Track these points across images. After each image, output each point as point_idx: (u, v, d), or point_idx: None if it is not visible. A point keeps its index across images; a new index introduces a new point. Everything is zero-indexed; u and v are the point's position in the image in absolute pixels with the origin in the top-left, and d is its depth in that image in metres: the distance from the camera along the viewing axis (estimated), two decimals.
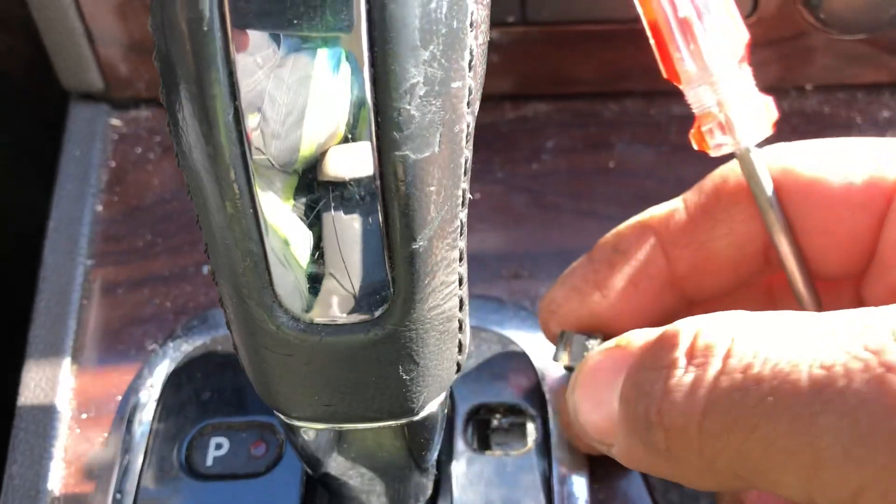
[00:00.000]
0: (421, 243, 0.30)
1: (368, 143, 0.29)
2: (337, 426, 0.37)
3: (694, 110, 0.43)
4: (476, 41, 0.30)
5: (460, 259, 0.33)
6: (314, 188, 0.30)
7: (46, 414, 0.53)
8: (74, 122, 0.65)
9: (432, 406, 0.37)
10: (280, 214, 0.30)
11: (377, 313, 0.32)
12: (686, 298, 0.46)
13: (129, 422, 0.51)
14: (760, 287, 0.48)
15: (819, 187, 0.42)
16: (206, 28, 0.27)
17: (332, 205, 0.30)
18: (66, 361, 0.55)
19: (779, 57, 0.62)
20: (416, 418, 0.37)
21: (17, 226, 0.86)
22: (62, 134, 0.65)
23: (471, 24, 0.29)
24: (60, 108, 0.69)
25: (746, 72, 0.43)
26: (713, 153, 0.43)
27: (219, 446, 0.50)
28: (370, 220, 0.30)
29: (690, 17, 0.42)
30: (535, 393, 0.52)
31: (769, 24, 0.60)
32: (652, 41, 0.44)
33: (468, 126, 0.31)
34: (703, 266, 0.44)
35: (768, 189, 0.42)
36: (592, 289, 0.45)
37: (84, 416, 0.53)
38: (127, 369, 0.55)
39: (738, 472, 0.33)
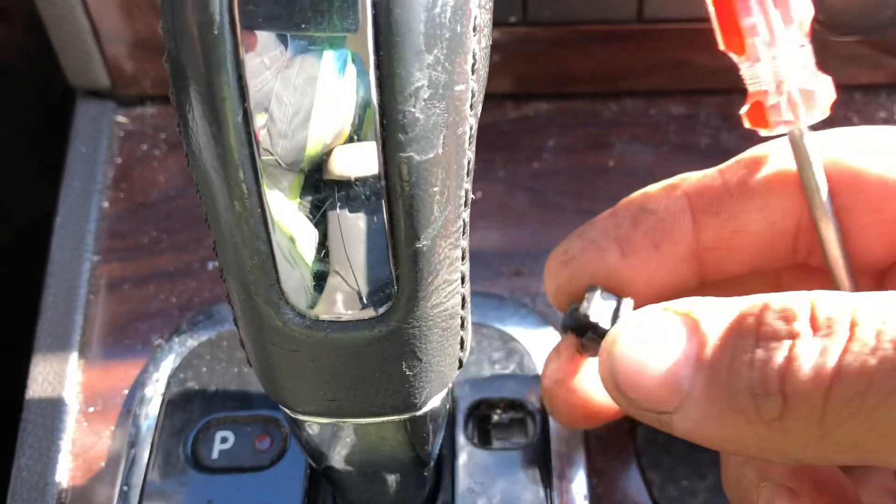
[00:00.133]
0: (424, 242, 0.31)
1: (373, 143, 0.29)
2: (341, 421, 0.38)
3: (748, 86, 0.42)
4: (479, 45, 0.30)
5: (463, 257, 0.34)
6: (320, 187, 0.30)
7: (54, 408, 0.53)
8: (81, 119, 0.66)
9: (434, 401, 0.38)
10: (287, 213, 0.31)
11: (381, 310, 0.32)
12: (700, 276, 0.45)
13: (136, 416, 0.52)
14: (770, 278, 0.47)
15: (865, 178, 0.41)
16: (216, 31, 0.28)
17: (338, 204, 0.31)
18: (73, 356, 0.55)
19: None
20: (418, 413, 0.37)
21: (21, 219, 0.86)
22: (68, 130, 0.66)
23: (474, 29, 0.29)
24: (64, 103, 0.69)
25: (808, 49, 0.41)
26: (768, 132, 0.42)
27: (224, 440, 0.50)
28: (375, 218, 0.31)
29: None
30: (535, 389, 0.52)
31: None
32: (712, 9, 0.42)
33: (471, 128, 0.31)
34: (730, 239, 0.43)
35: (819, 174, 0.41)
36: (612, 244, 0.44)
37: (91, 409, 0.54)
38: (133, 364, 0.55)
39: (859, 441, 0.33)
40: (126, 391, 0.54)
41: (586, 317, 0.42)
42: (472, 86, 0.30)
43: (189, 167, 0.32)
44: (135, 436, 0.51)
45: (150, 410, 0.52)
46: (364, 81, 0.28)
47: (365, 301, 0.32)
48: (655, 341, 0.37)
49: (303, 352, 0.34)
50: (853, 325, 0.33)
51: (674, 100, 0.66)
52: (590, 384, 0.46)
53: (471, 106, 0.31)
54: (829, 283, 0.44)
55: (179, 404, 0.52)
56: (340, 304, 0.32)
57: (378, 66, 0.28)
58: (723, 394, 0.35)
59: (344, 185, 0.30)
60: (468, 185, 0.32)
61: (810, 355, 0.33)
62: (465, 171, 0.32)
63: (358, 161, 0.30)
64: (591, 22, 0.60)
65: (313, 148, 0.30)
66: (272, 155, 0.30)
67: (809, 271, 0.45)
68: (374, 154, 0.29)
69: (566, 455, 0.50)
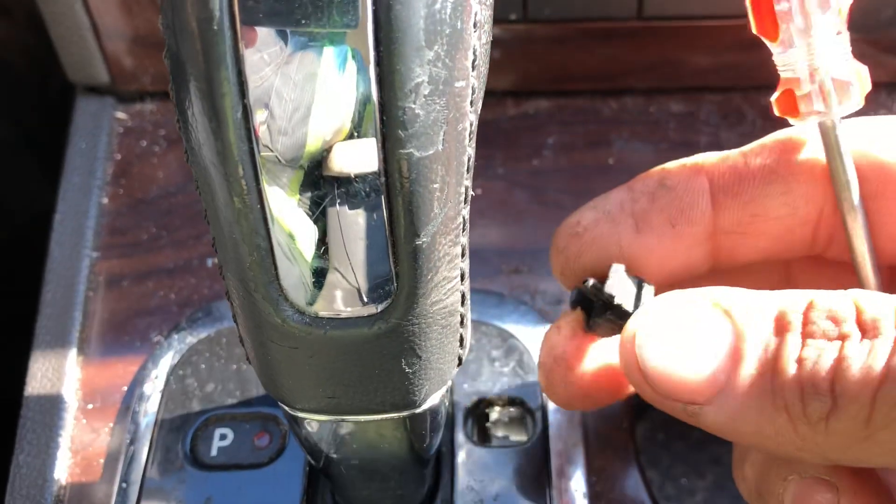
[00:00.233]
0: (424, 239, 0.31)
1: (373, 140, 0.29)
2: (340, 418, 0.38)
3: (781, 73, 0.40)
4: (479, 41, 0.30)
5: (462, 255, 0.34)
6: (320, 184, 0.30)
7: (53, 404, 0.53)
8: (80, 115, 0.66)
9: (434, 399, 0.38)
10: (286, 209, 0.31)
11: (381, 307, 0.32)
12: (713, 261, 0.44)
13: (135, 412, 0.52)
14: (780, 270, 0.47)
15: (893, 170, 0.40)
16: (216, 27, 0.28)
17: (338, 200, 0.31)
18: (72, 353, 0.55)
19: None
20: (417, 411, 0.37)
21: (20, 215, 0.86)
22: (67, 126, 0.66)
23: (474, 25, 0.29)
24: (64, 99, 0.69)
25: (845, 37, 0.39)
26: (799, 122, 0.40)
27: (223, 437, 0.50)
28: (374, 215, 0.31)
29: None
30: (534, 386, 0.52)
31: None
32: None
33: (471, 124, 0.31)
34: (749, 223, 0.42)
35: (849, 166, 0.40)
36: (627, 218, 0.42)
37: (90, 406, 0.54)
38: (132, 360, 0.55)
39: None
40: (125, 388, 0.54)
41: (611, 297, 0.41)
42: (472, 82, 0.30)
43: (188, 163, 0.32)
44: (134, 433, 0.51)
45: (149, 407, 0.52)
46: (364, 78, 0.28)
47: (364, 298, 0.32)
48: (688, 330, 0.36)
49: (302, 349, 0.33)
50: None
51: (673, 97, 0.66)
52: (591, 363, 0.44)
53: (471, 102, 0.31)
54: (841, 277, 0.43)
55: (178, 401, 0.52)
56: (340, 300, 0.32)
57: (378, 63, 0.28)
58: (766, 390, 0.35)
59: (344, 181, 0.30)
60: (468, 182, 0.32)
61: (860, 356, 0.33)
62: (465, 167, 0.32)
63: (358, 157, 0.30)
64: (592, 20, 0.60)
65: (313, 144, 0.30)
66: (272, 151, 0.30)
67: (821, 264, 0.45)
68: (374, 150, 0.29)
69: (565, 453, 0.50)
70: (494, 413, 0.52)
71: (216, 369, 0.53)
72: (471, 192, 0.33)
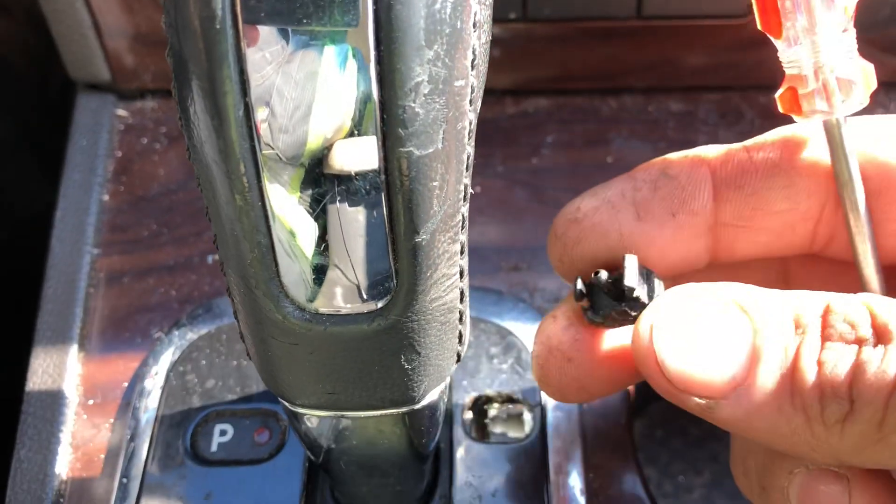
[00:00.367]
0: (424, 237, 0.31)
1: (373, 138, 0.29)
2: (340, 414, 0.38)
3: (786, 69, 0.40)
4: (479, 41, 0.30)
5: (461, 252, 0.34)
6: (320, 181, 0.30)
7: (54, 400, 0.54)
8: (81, 113, 0.66)
9: (433, 395, 0.38)
10: (287, 207, 0.31)
11: (380, 304, 0.33)
12: (712, 255, 0.43)
13: (135, 408, 0.52)
14: (777, 267, 0.46)
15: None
16: (218, 26, 0.28)
17: (338, 198, 0.31)
18: (73, 349, 0.56)
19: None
20: (416, 407, 0.38)
21: (21, 212, 0.86)
22: (68, 124, 0.66)
23: (474, 25, 0.30)
24: (65, 97, 0.69)
25: (851, 35, 0.39)
26: (803, 119, 0.40)
27: (223, 433, 0.51)
28: (374, 213, 0.31)
29: None
30: (533, 383, 0.53)
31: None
32: None
33: (471, 123, 0.31)
34: (750, 217, 0.42)
35: (853, 166, 0.39)
36: (628, 206, 0.41)
37: (91, 402, 0.54)
38: (133, 357, 0.55)
39: None
40: (126, 384, 0.54)
41: (631, 288, 0.39)
42: (471, 81, 0.30)
43: (190, 161, 0.32)
44: (134, 428, 0.51)
45: (150, 403, 0.52)
46: (364, 76, 0.29)
47: (364, 295, 0.32)
48: (707, 326, 0.36)
49: (302, 345, 0.34)
50: None
51: (672, 96, 0.66)
52: (588, 354, 0.43)
53: (470, 101, 0.31)
54: (839, 276, 0.43)
55: (179, 397, 0.52)
56: (340, 297, 0.32)
57: (378, 62, 0.28)
58: (785, 390, 0.35)
59: (344, 179, 0.30)
60: (467, 180, 0.33)
61: (875, 361, 0.34)
62: (465, 165, 0.32)
63: (358, 155, 0.30)
64: (591, 19, 0.61)
65: (314, 142, 0.30)
66: (273, 149, 0.30)
67: (819, 263, 0.45)
68: (375, 148, 0.30)
69: (563, 450, 0.51)
70: (493, 410, 0.52)
71: (216, 365, 0.53)
72: (470, 190, 0.33)
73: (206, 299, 0.57)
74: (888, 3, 0.61)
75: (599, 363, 0.42)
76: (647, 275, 0.40)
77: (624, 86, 0.66)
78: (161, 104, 0.66)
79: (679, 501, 0.62)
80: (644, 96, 0.66)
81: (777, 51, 0.40)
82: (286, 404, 0.38)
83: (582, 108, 0.66)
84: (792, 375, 0.35)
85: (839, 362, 0.34)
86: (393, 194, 0.30)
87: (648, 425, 0.65)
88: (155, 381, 0.53)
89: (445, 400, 0.42)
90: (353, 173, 0.30)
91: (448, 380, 0.39)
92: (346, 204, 0.31)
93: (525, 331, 0.55)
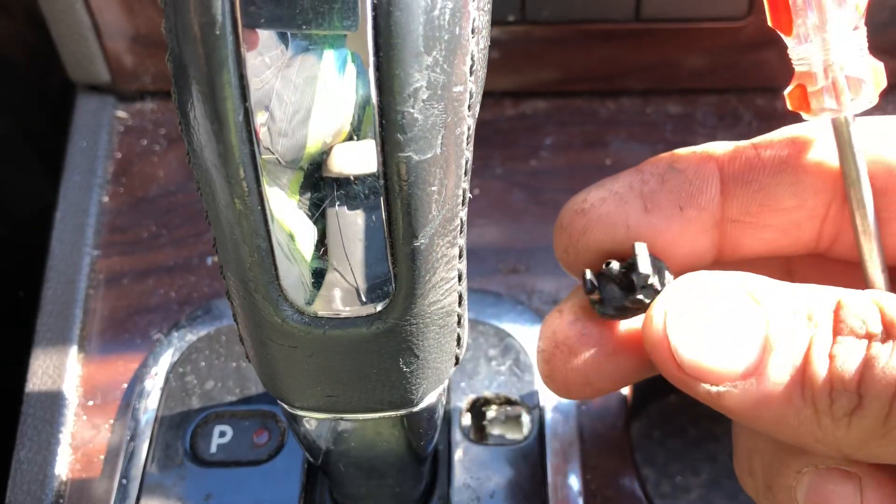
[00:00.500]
0: (422, 241, 0.31)
1: (372, 142, 0.29)
2: (339, 416, 0.38)
3: (795, 67, 0.39)
4: (477, 46, 0.31)
5: (460, 256, 0.34)
6: (319, 185, 0.30)
7: (53, 401, 0.54)
8: (81, 114, 0.66)
9: (431, 397, 0.38)
10: (286, 210, 0.31)
11: (379, 308, 0.33)
12: (717, 251, 0.43)
13: (135, 409, 0.52)
14: (782, 266, 0.47)
15: None
16: (218, 32, 0.28)
17: (337, 202, 0.31)
18: (73, 350, 0.56)
19: (778, 56, 0.63)
20: (415, 409, 0.38)
21: (21, 213, 0.86)
22: (68, 125, 0.66)
23: (472, 31, 0.30)
24: (64, 97, 0.69)
25: (862, 33, 0.39)
26: (811, 117, 0.40)
27: (222, 434, 0.51)
28: (373, 216, 0.31)
29: None
30: (531, 385, 0.53)
31: (767, 24, 0.61)
32: None
33: (469, 128, 0.32)
34: (757, 213, 0.42)
35: (861, 165, 0.39)
36: (636, 197, 0.41)
37: (90, 403, 0.54)
38: (132, 358, 0.56)
39: None
40: (125, 385, 0.55)
41: (646, 276, 0.39)
42: (470, 87, 0.30)
43: (190, 165, 0.32)
44: (134, 429, 0.52)
45: (149, 404, 0.52)
46: (363, 81, 0.29)
47: (363, 298, 0.33)
48: (720, 315, 0.37)
49: (301, 348, 0.34)
50: None
51: (670, 99, 0.66)
52: (595, 349, 0.42)
53: (469, 107, 0.31)
54: (844, 276, 0.43)
55: (178, 398, 0.52)
56: (339, 300, 0.33)
57: (377, 67, 0.28)
58: (796, 382, 0.35)
59: (343, 183, 0.30)
60: (466, 185, 0.33)
61: (884, 356, 0.34)
62: (463, 170, 0.32)
63: (357, 159, 0.30)
64: (589, 21, 0.61)
65: (313, 146, 0.30)
66: (272, 153, 0.30)
67: (823, 263, 0.45)
68: (373, 152, 0.30)
69: (561, 451, 0.51)
70: (491, 411, 0.53)
71: (216, 367, 0.54)
72: (468, 195, 0.33)
73: (205, 301, 0.57)
74: (888, 5, 0.61)
75: (607, 358, 0.42)
76: (656, 263, 0.40)
77: (622, 88, 0.66)
78: (160, 106, 0.66)
79: (677, 502, 0.62)
80: (642, 98, 0.66)
81: (780, 51, 0.40)
82: (285, 406, 0.38)
83: (580, 110, 0.66)
84: (803, 368, 0.35)
85: (850, 357, 0.35)
86: (392, 199, 0.30)
87: (646, 426, 0.65)
88: (154, 383, 0.53)
89: (444, 402, 0.42)
90: (351, 177, 0.30)
91: (446, 382, 0.39)
92: (345, 208, 0.31)
93: (523, 332, 0.55)
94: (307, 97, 0.29)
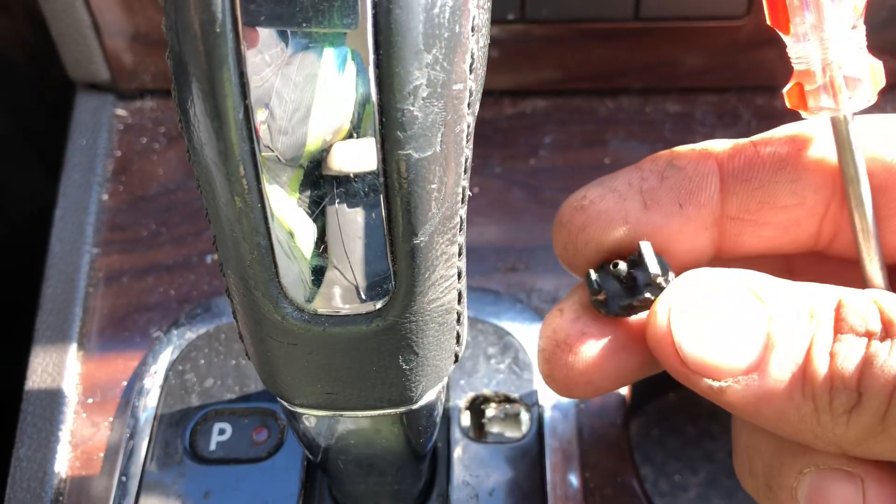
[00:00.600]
0: (422, 238, 0.31)
1: (372, 139, 0.30)
2: (338, 414, 0.38)
3: (794, 65, 0.39)
4: (477, 45, 0.31)
5: (459, 254, 0.34)
6: (319, 182, 0.31)
7: (53, 399, 0.54)
8: (80, 112, 0.66)
9: (430, 395, 0.38)
10: (286, 208, 0.31)
11: (379, 305, 0.33)
12: (717, 248, 0.44)
13: (134, 407, 0.52)
14: (781, 264, 0.47)
15: None
16: (218, 29, 0.28)
17: (337, 199, 0.31)
18: (73, 347, 0.56)
19: (778, 56, 0.63)
20: (414, 407, 0.38)
21: (21, 211, 0.86)
22: (68, 123, 0.66)
23: (472, 29, 0.30)
24: (64, 96, 0.69)
25: (860, 32, 0.39)
26: (810, 115, 0.40)
27: (222, 431, 0.51)
28: (373, 214, 0.31)
29: None
30: (530, 383, 0.53)
31: (765, 23, 0.61)
32: None
33: (469, 126, 0.32)
34: (756, 210, 0.42)
35: (860, 163, 0.39)
36: (636, 194, 0.41)
37: (90, 400, 0.54)
38: (132, 356, 0.56)
39: None
40: (125, 383, 0.55)
41: (655, 276, 0.40)
42: (469, 85, 0.30)
43: (190, 162, 0.32)
44: (133, 427, 0.52)
45: (149, 402, 0.52)
46: (363, 79, 0.29)
47: (363, 296, 0.33)
48: (723, 312, 0.37)
49: (301, 345, 0.34)
50: None
51: (669, 98, 0.66)
52: (596, 348, 0.42)
53: (468, 105, 0.31)
54: (843, 275, 0.43)
55: (178, 396, 0.52)
56: (338, 298, 0.33)
57: (377, 65, 0.28)
58: (797, 378, 0.36)
59: (343, 180, 0.30)
60: (465, 183, 0.33)
61: (883, 354, 0.35)
62: (463, 168, 0.32)
63: (357, 157, 0.30)
64: (589, 20, 0.61)
65: (313, 144, 0.30)
66: (272, 151, 0.30)
67: (823, 261, 0.45)
68: (373, 150, 0.30)
69: (559, 449, 0.51)
70: (490, 409, 0.53)
71: (215, 365, 0.54)
72: (468, 192, 0.34)
73: (204, 299, 0.58)
74: (886, 5, 0.61)
75: (608, 356, 0.42)
76: (661, 261, 0.41)
77: (621, 87, 0.66)
78: (160, 104, 0.67)
79: (675, 500, 0.62)
80: (641, 97, 0.66)
81: (779, 50, 0.40)
82: (285, 404, 0.38)
83: (580, 109, 0.66)
84: (804, 365, 0.36)
85: (850, 355, 0.35)
86: (391, 197, 0.30)
87: (645, 425, 0.65)
88: (154, 380, 0.53)
89: (443, 400, 0.42)
90: (351, 175, 0.30)
91: (446, 380, 0.39)
92: (345, 205, 0.31)
93: (522, 331, 0.55)
94: (307, 95, 0.29)
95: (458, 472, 0.50)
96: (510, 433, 0.52)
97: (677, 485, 0.62)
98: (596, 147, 0.64)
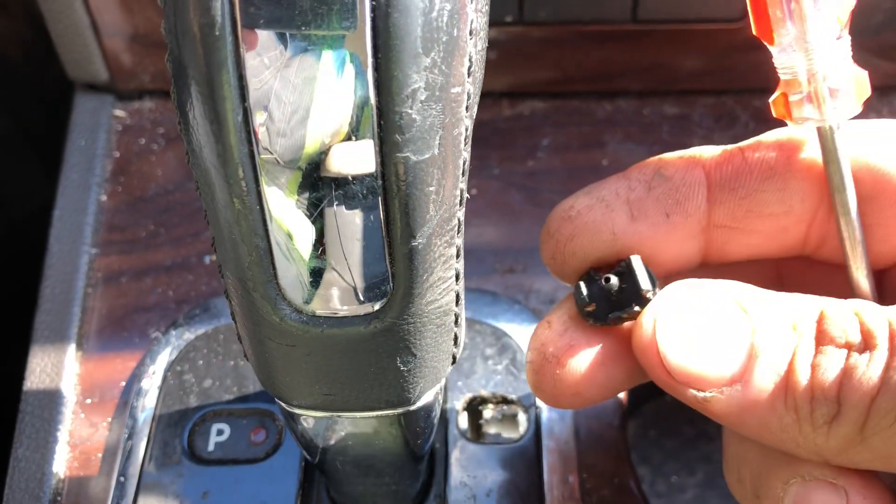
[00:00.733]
0: (420, 241, 0.31)
1: (371, 142, 0.30)
2: (336, 415, 0.38)
3: (780, 74, 0.40)
4: (475, 48, 0.31)
5: (457, 255, 0.34)
6: (318, 184, 0.31)
7: (51, 399, 0.54)
8: (79, 113, 0.66)
9: (428, 396, 0.38)
10: (285, 210, 0.31)
11: (377, 307, 0.33)
12: (703, 255, 0.44)
13: (133, 407, 0.53)
14: (769, 268, 0.47)
15: (889, 179, 0.40)
16: (217, 32, 0.28)
17: (335, 201, 0.31)
18: (71, 348, 0.56)
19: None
20: (412, 408, 0.38)
21: (19, 211, 0.86)
22: (66, 123, 0.66)
23: (470, 32, 0.30)
24: (61, 93, 0.69)
25: (845, 42, 0.39)
26: (795, 125, 0.40)
27: (220, 432, 0.51)
28: (371, 216, 0.31)
29: None
30: (527, 385, 0.53)
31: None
32: None
33: (467, 129, 0.32)
34: (743, 218, 0.42)
35: (846, 172, 0.39)
36: (623, 205, 0.41)
37: (88, 401, 0.54)
38: (130, 356, 0.56)
39: (893, 451, 0.35)
40: (123, 383, 0.55)
41: (646, 291, 0.40)
42: (468, 88, 0.31)
43: (189, 164, 0.32)
44: (132, 427, 0.52)
45: (147, 402, 0.53)
46: (362, 81, 0.29)
47: (361, 297, 0.33)
48: (708, 323, 0.38)
49: (299, 347, 0.34)
50: (892, 338, 0.35)
51: (667, 100, 0.66)
52: (582, 360, 0.42)
53: (467, 107, 0.31)
54: (831, 278, 0.44)
55: (176, 397, 0.52)
56: (336, 300, 0.33)
57: (376, 69, 0.28)
58: (780, 389, 0.36)
59: (341, 182, 0.31)
60: (463, 185, 0.33)
61: (861, 366, 0.35)
62: (461, 171, 0.32)
63: (355, 159, 0.30)
64: (586, 22, 0.61)
65: (312, 146, 0.30)
66: (271, 153, 0.30)
67: (811, 265, 0.45)
68: (372, 152, 0.30)
69: (557, 450, 0.51)
70: (488, 410, 0.53)
71: (213, 365, 0.54)
72: (466, 195, 0.34)
73: (203, 299, 0.58)
74: (882, 8, 0.61)
75: (595, 369, 0.42)
76: (649, 274, 0.41)
77: (619, 89, 0.66)
78: (159, 105, 0.67)
79: (672, 501, 0.62)
80: (639, 99, 0.66)
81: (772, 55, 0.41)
82: (283, 405, 0.38)
83: (577, 111, 0.66)
84: (787, 376, 0.36)
85: (830, 366, 0.36)
86: (390, 199, 0.30)
87: (642, 426, 0.65)
88: (152, 381, 0.53)
89: (440, 401, 0.42)
90: (350, 177, 0.30)
91: (443, 381, 0.40)
92: (343, 207, 0.31)
93: (520, 332, 0.55)
94: (306, 97, 0.29)
95: (456, 473, 0.50)
96: (507, 434, 0.52)
97: (674, 485, 0.63)
98: (594, 149, 0.64)
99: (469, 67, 0.30)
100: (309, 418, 0.39)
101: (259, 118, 0.29)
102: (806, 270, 0.46)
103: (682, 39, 0.62)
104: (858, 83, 0.39)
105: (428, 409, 0.40)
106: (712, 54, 0.64)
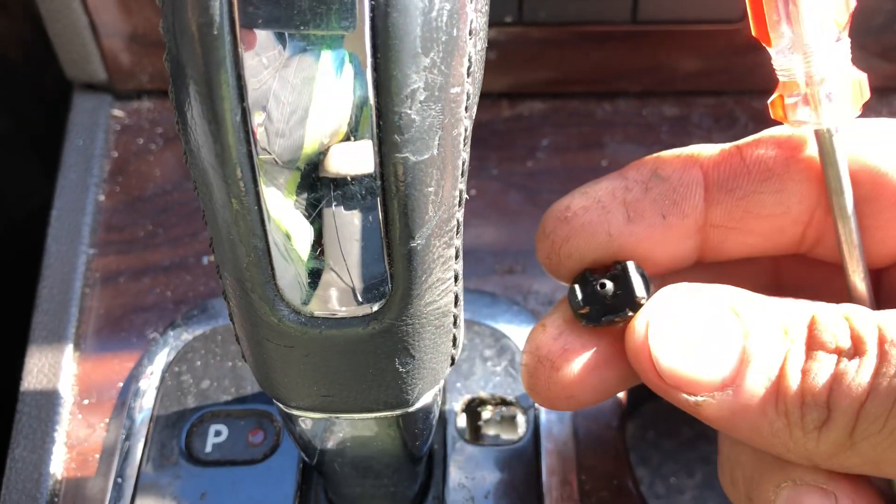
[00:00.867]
0: (419, 241, 0.31)
1: (370, 142, 0.30)
2: (334, 416, 0.38)
3: (779, 76, 0.40)
4: (475, 48, 0.31)
5: (456, 256, 0.34)
6: (316, 185, 0.31)
7: (49, 399, 0.54)
8: (77, 113, 0.66)
9: (427, 398, 0.38)
10: (283, 210, 0.31)
11: (375, 308, 0.33)
12: (700, 254, 0.44)
13: (130, 408, 0.52)
14: (766, 266, 0.47)
15: (888, 179, 0.40)
16: (216, 32, 0.28)
17: (334, 202, 0.31)
18: (69, 348, 0.56)
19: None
20: (410, 409, 0.38)
21: (17, 211, 0.86)
22: (65, 123, 0.66)
23: (470, 32, 0.30)
24: (61, 96, 0.69)
25: (844, 44, 0.38)
26: (792, 127, 0.40)
27: (218, 433, 0.51)
28: (370, 217, 0.31)
29: None
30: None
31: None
32: None
33: (466, 130, 0.32)
34: (740, 219, 0.42)
35: (844, 174, 0.39)
36: (619, 206, 0.41)
37: (86, 401, 0.54)
38: (128, 357, 0.56)
39: (882, 455, 0.35)
40: (121, 384, 0.55)
41: (641, 298, 0.40)
42: (467, 88, 0.30)
43: (187, 164, 0.32)
44: (129, 428, 0.52)
45: (145, 403, 0.52)
46: (361, 81, 0.29)
47: (359, 298, 0.33)
48: (700, 328, 0.38)
49: (297, 348, 0.34)
50: (881, 343, 0.35)
51: (666, 101, 0.66)
52: (577, 364, 0.43)
53: (466, 108, 0.31)
54: (829, 277, 0.44)
55: (174, 397, 0.52)
56: (335, 300, 0.33)
57: (375, 68, 0.28)
58: (771, 394, 0.37)
59: (340, 183, 0.30)
60: (462, 186, 0.33)
61: (851, 372, 0.35)
62: (460, 171, 0.32)
63: (354, 160, 0.30)
64: (586, 23, 0.61)
65: (310, 146, 0.30)
66: (269, 153, 0.30)
67: (808, 263, 0.45)
68: (370, 153, 0.30)
69: (555, 452, 0.51)
70: (486, 412, 0.53)
71: (211, 366, 0.54)
72: (465, 196, 0.34)
73: (201, 300, 0.58)
74: (882, 10, 0.61)
75: (589, 373, 0.42)
76: (644, 278, 0.41)
77: (618, 89, 0.66)
78: (157, 105, 0.66)
79: (671, 502, 0.62)
80: (638, 100, 0.66)
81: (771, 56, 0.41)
82: (281, 406, 0.38)
83: (577, 112, 0.66)
84: (778, 381, 0.37)
85: (820, 372, 0.36)
86: (388, 200, 0.30)
87: (640, 427, 0.65)
88: (150, 382, 0.53)
89: (439, 402, 0.42)
90: (348, 177, 0.30)
91: (442, 383, 0.39)
92: (342, 208, 0.31)
93: (519, 333, 0.55)
94: (305, 97, 0.29)
95: (454, 475, 0.50)
96: (506, 435, 0.52)
97: (673, 487, 0.63)
98: (593, 150, 0.64)
99: (468, 68, 0.30)
100: (307, 420, 0.39)
101: (257, 118, 0.29)
102: (805, 268, 0.46)
103: (682, 40, 0.62)
104: (856, 86, 0.39)
105: (426, 410, 0.40)
106: (712, 55, 0.64)
